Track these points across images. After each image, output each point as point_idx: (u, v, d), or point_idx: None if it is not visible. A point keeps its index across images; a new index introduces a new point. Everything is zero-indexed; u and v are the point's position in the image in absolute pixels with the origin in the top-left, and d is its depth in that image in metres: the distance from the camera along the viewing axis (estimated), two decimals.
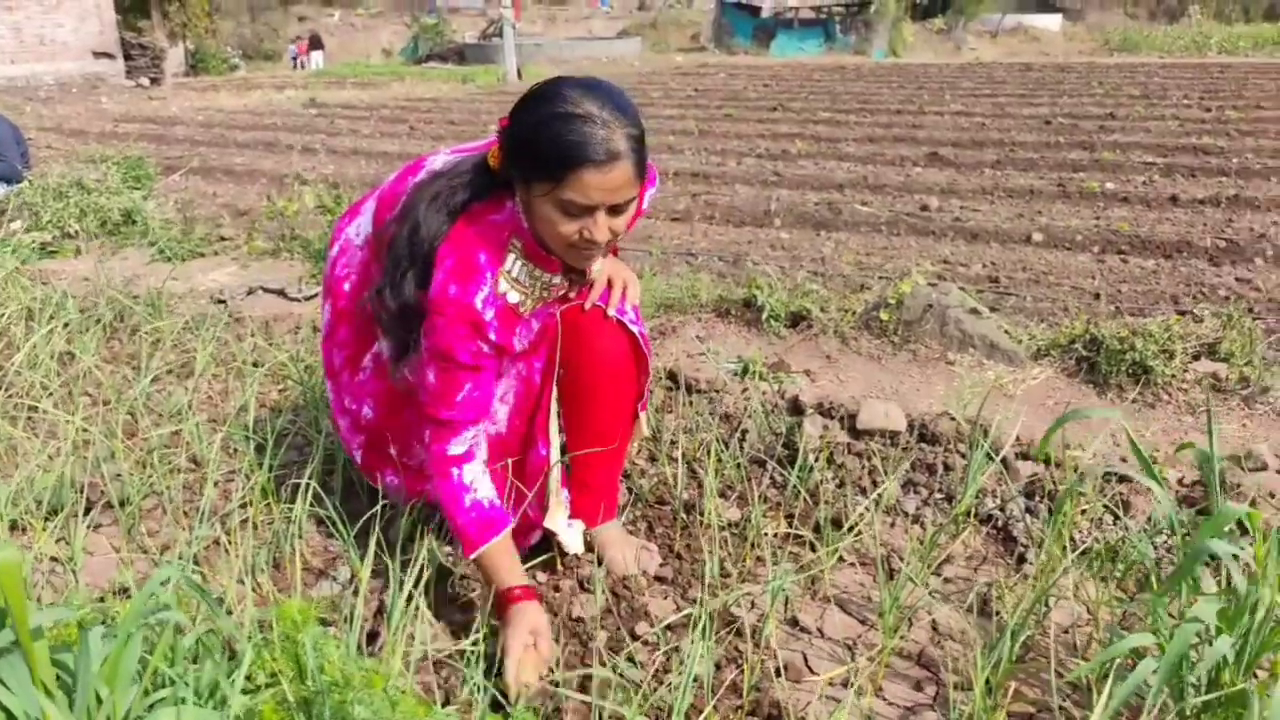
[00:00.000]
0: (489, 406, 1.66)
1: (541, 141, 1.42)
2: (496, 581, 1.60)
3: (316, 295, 3.69)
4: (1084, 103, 11.65)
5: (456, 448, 1.62)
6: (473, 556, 1.61)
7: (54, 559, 1.84)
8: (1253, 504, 2.00)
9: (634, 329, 1.76)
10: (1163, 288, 4.41)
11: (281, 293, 3.75)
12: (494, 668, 1.52)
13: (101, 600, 1.65)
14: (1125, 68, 17.13)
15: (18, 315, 3.05)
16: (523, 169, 1.48)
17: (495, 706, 1.44)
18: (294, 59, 25.63)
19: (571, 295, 1.73)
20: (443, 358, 1.57)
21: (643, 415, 1.95)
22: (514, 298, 1.60)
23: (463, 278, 1.54)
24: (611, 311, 1.74)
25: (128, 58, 19.66)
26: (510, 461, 1.76)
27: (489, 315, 1.56)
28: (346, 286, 1.82)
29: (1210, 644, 1.36)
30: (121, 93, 16.76)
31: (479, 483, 1.64)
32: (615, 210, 1.47)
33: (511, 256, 1.58)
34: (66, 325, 2.96)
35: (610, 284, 1.76)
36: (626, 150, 1.43)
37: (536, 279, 1.62)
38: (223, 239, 4.69)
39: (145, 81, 18.92)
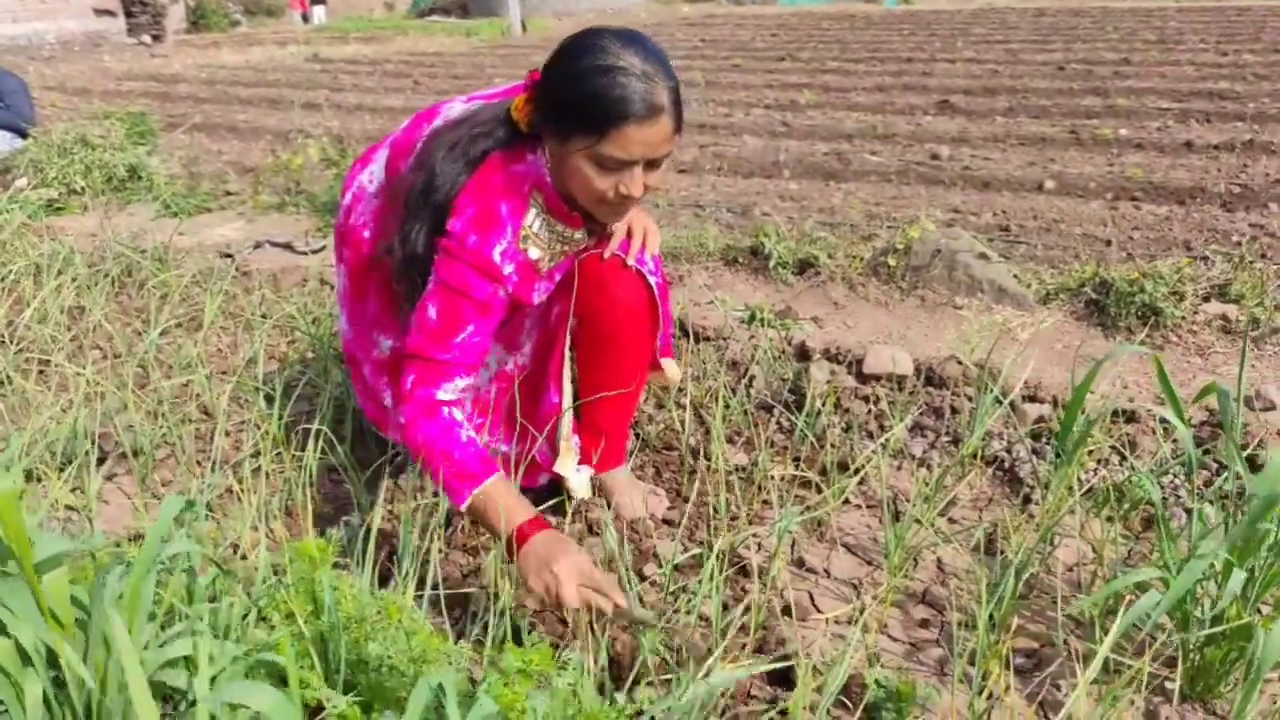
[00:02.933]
0: (481, 359, 1.58)
1: (582, 95, 1.38)
2: (508, 519, 1.44)
3: (324, 248, 3.69)
4: (1098, 48, 11.43)
5: (445, 394, 1.52)
6: (476, 491, 1.45)
7: (69, 507, 1.86)
8: (1261, 443, 2.00)
9: (652, 279, 1.75)
10: (1175, 234, 4.36)
11: (288, 246, 3.75)
12: (504, 606, 1.53)
13: (118, 545, 1.67)
14: (1140, 12, 16.76)
15: (26, 271, 3.06)
16: (559, 123, 1.44)
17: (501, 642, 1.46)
18: (302, 15, 25.23)
19: (590, 245, 1.72)
20: (455, 291, 1.51)
21: (671, 362, 1.95)
22: (534, 254, 1.57)
23: (483, 227, 1.50)
24: (631, 261, 1.72)
25: (129, 15, 19.45)
26: (520, 404, 1.76)
27: (508, 269, 1.53)
28: (366, 234, 1.80)
29: (1215, 579, 1.37)
30: (123, 50, 16.59)
31: (469, 429, 1.53)
32: (651, 165, 1.45)
33: (533, 211, 1.55)
34: (75, 280, 2.97)
35: (630, 233, 1.74)
36: (668, 104, 1.40)
37: (557, 234, 1.60)
38: (228, 194, 4.68)
39: (147, 39, 18.72)
